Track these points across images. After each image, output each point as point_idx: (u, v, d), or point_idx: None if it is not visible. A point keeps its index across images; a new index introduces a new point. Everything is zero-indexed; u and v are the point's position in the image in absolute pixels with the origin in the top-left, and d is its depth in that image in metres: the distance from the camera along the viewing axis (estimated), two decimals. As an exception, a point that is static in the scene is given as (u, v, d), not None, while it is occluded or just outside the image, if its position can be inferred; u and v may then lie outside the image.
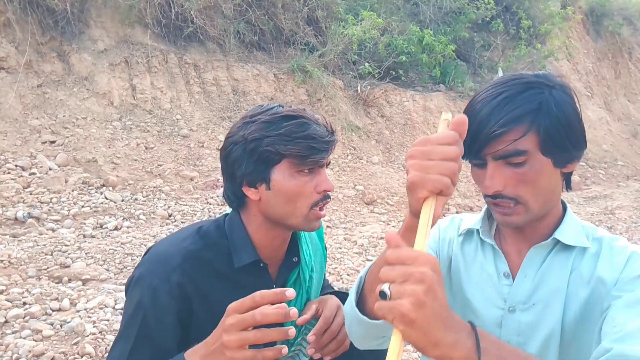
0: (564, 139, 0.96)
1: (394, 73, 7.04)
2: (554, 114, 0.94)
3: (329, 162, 1.23)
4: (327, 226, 4.50)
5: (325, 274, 1.62)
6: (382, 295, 0.69)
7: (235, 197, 1.22)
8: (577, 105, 1.00)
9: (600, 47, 10.68)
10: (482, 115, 0.96)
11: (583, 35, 10.56)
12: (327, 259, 3.62)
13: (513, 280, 1.06)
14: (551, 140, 0.95)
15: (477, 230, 1.12)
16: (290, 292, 0.88)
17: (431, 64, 7.32)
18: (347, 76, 6.88)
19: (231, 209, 1.27)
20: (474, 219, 1.16)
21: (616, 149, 9.11)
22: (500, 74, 7.87)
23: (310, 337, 1.23)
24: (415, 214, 0.81)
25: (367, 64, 6.75)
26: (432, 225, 0.78)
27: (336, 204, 5.08)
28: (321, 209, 1.20)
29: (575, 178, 7.42)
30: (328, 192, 1.20)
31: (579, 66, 10.00)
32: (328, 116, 6.32)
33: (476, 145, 0.97)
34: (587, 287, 0.99)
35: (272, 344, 0.96)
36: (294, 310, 0.87)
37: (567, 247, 1.02)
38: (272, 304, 0.90)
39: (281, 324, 1.31)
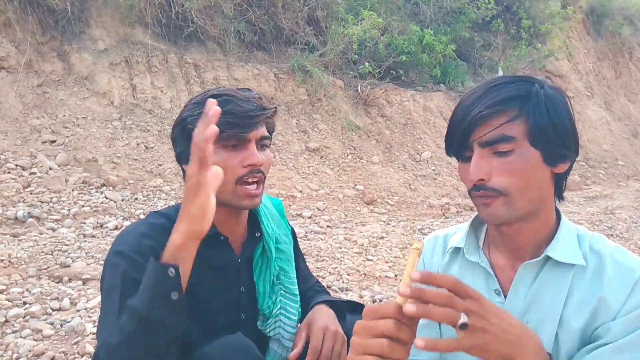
0: (552, 133, 0.91)
1: (394, 73, 7.04)
2: (543, 104, 0.91)
3: (265, 138, 1.24)
4: (328, 226, 4.51)
5: (308, 272, 1.61)
6: (464, 326, 0.76)
7: (185, 176, 1.26)
8: (570, 108, 0.96)
9: (600, 47, 10.67)
10: (469, 102, 0.93)
11: (583, 35, 10.55)
12: (327, 259, 3.62)
13: (505, 296, 1.01)
14: (540, 130, 0.90)
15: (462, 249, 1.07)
16: (211, 101, 0.92)
17: (431, 64, 7.32)
18: (348, 76, 6.88)
19: None
20: (459, 235, 1.11)
21: (616, 148, 9.11)
22: (501, 73, 7.87)
23: None
24: None
25: (367, 64, 6.75)
26: None
27: (336, 204, 5.08)
28: (249, 184, 1.20)
29: (575, 178, 7.42)
30: (256, 167, 1.19)
31: (580, 66, 9.99)
32: (328, 116, 6.33)
33: (461, 131, 0.93)
34: (586, 310, 0.93)
35: None
36: (211, 101, 0.93)
37: (561, 264, 0.96)
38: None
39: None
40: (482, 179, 0.92)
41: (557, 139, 0.92)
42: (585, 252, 0.97)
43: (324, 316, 1.34)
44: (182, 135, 1.22)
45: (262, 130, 1.22)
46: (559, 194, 1.00)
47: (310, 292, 1.55)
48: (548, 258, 0.97)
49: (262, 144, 1.24)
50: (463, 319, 0.75)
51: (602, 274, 0.93)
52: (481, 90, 0.94)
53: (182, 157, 1.23)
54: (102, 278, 1.18)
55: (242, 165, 1.18)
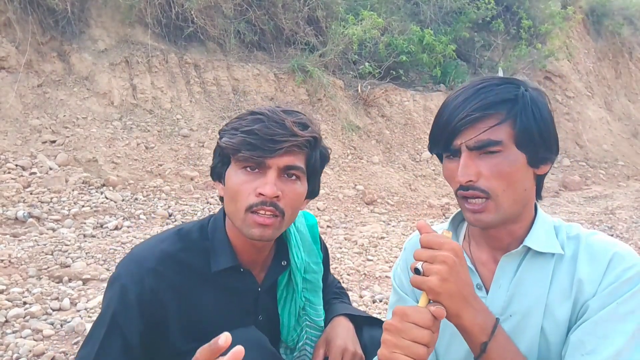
0: (538, 136, 0.94)
1: (394, 73, 7.04)
2: (530, 108, 0.94)
3: (294, 169, 1.10)
4: (328, 226, 4.51)
5: (330, 275, 1.56)
6: (416, 271, 0.87)
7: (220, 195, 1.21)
8: (550, 109, 0.99)
9: (600, 47, 10.67)
10: (457, 103, 0.95)
11: (583, 35, 10.55)
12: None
13: (487, 291, 1.02)
14: (526, 134, 0.93)
15: None
16: (222, 339, 0.77)
17: (431, 64, 7.32)
18: (348, 76, 6.88)
19: (220, 209, 1.24)
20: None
21: (617, 148, 9.10)
22: (501, 73, 7.87)
23: None
24: None
25: (367, 64, 6.75)
26: None
27: (336, 204, 5.08)
28: (259, 214, 1.07)
29: (575, 178, 7.42)
30: (267, 199, 1.06)
31: (580, 66, 9.99)
32: (328, 116, 6.33)
33: (448, 133, 0.94)
34: (569, 298, 0.94)
35: None
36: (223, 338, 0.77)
37: (541, 254, 0.98)
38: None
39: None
40: (471, 180, 0.94)
41: (542, 142, 0.95)
42: (562, 240, 0.99)
43: (343, 333, 1.29)
44: (216, 150, 1.16)
45: (289, 159, 1.08)
46: (538, 194, 1.03)
47: (330, 295, 1.48)
48: (528, 249, 0.99)
49: (290, 173, 1.10)
50: (417, 264, 0.87)
51: (577, 258, 0.96)
52: (469, 92, 0.95)
53: (215, 172, 1.18)
54: (102, 300, 1.16)
55: (255, 193, 1.08)
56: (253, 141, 1.06)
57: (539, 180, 1.01)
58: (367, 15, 6.65)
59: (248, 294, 1.22)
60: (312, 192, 1.20)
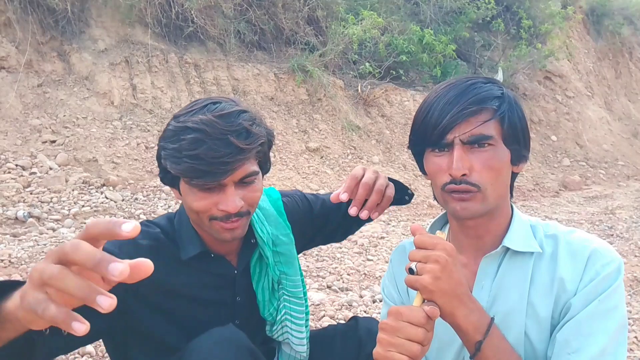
0: (521, 135, 0.99)
1: (394, 73, 7.04)
2: (514, 106, 0.99)
3: (250, 176, 1.09)
4: (328, 226, 4.51)
5: (319, 199, 1.48)
6: (411, 271, 0.90)
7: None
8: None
9: (600, 47, 10.67)
10: (450, 97, 0.97)
11: (583, 35, 10.55)
12: (327, 259, 3.62)
13: (470, 291, 1.03)
14: (512, 131, 0.97)
15: None
16: (127, 226, 0.57)
17: (432, 64, 7.32)
18: (348, 76, 6.88)
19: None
20: None
21: (617, 148, 9.11)
22: (501, 73, 7.87)
23: (346, 200, 1.22)
24: None
25: (367, 64, 6.76)
26: None
27: (336, 204, 5.08)
28: (224, 222, 1.09)
29: (575, 178, 7.43)
30: (232, 214, 1.07)
31: (580, 66, 9.99)
32: (328, 116, 6.33)
33: (442, 127, 0.96)
34: (550, 295, 0.96)
35: None
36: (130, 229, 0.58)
37: (520, 254, 1.00)
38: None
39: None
40: (465, 174, 0.96)
41: (523, 140, 1.00)
42: (541, 239, 1.02)
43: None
44: (160, 163, 1.13)
45: (243, 170, 1.06)
46: (511, 193, 1.07)
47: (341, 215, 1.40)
48: (507, 249, 1.02)
49: (246, 181, 1.09)
50: (411, 264, 0.89)
51: (557, 256, 0.98)
52: (461, 88, 0.98)
53: (164, 180, 1.16)
54: None
55: (216, 207, 1.07)
56: (202, 167, 1.02)
57: (513, 179, 1.05)
58: (367, 15, 6.65)
59: (224, 277, 1.24)
60: (266, 171, 1.20)
